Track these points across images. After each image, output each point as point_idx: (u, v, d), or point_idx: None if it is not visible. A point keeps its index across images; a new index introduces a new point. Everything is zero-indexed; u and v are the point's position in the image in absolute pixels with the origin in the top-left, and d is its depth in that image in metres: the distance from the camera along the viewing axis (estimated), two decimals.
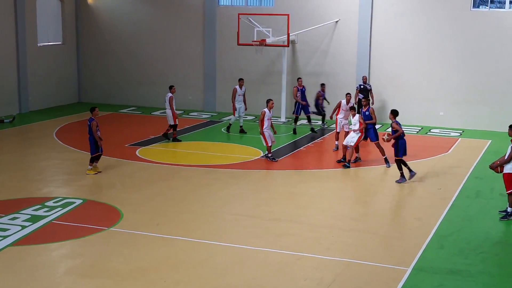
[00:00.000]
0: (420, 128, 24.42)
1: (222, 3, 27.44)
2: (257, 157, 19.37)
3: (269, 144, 18.68)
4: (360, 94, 23.69)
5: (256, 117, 25.84)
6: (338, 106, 20.24)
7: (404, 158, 16.96)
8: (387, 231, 13.42)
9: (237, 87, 22.65)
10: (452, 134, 23.28)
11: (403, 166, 17.01)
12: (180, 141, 21.28)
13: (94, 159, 17.33)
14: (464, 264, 11.62)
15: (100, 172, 17.34)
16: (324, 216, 14.23)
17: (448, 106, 24.59)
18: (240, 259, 11.68)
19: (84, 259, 11.61)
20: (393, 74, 25.15)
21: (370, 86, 24.23)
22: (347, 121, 20.12)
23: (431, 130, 24.01)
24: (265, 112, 18.69)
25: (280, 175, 17.71)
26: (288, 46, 24.80)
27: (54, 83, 28.13)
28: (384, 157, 18.60)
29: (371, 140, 19.05)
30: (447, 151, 20.69)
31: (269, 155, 18.81)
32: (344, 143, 18.48)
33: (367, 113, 18.70)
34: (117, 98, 28.92)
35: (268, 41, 24.38)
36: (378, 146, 18.69)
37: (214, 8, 27.15)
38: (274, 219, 13.91)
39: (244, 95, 22.73)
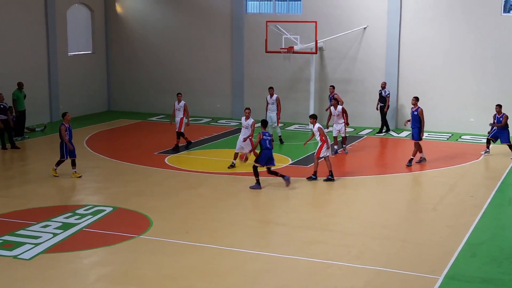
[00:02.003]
0: (450, 134, 24.17)
1: (250, 11, 27.52)
2: (285, 165, 19.33)
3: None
4: (380, 103, 23.85)
5: (284, 124, 25.86)
6: (330, 113, 20.85)
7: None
8: (418, 238, 13.26)
9: (268, 96, 22.56)
10: (483, 140, 22.96)
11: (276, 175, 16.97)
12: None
13: (60, 163, 17.70)
14: (497, 273, 11.43)
15: (80, 176, 17.62)
16: (354, 223, 14.14)
17: (479, 112, 24.27)
18: (270, 267, 11.65)
19: (114, 267, 11.68)
20: (423, 80, 24.94)
21: (386, 92, 24.11)
22: (341, 126, 20.59)
23: (462, 137, 23.75)
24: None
25: (308, 182, 17.63)
26: (316, 53, 24.76)
27: (84, 92, 28.46)
28: (420, 155, 19.20)
29: (413, 139, 19.26)
30: (478, 158, 20.42)
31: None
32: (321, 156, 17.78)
33: (415, 113, 19.04)
34: (146, 107, 29.14)
35: (296, 48, 24.36)
36: (417, 146, 19.10)
37: (242, 15, 27.23)
38: (303, 226, 13.86)
39: (278, 103, 22.22)
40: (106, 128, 25.63)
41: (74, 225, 13.66)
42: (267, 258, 12.05)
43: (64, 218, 14.13)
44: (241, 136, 18.76)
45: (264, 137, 16.89)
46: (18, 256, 11.90)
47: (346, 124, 20.82)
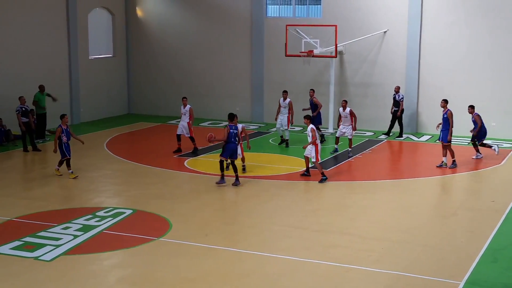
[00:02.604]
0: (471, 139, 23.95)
1: (270, 15, 27.54)
2: (304, 169, 19.27)
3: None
4: (395, 107, 23.92)
5: (303, 128, 25.81)
6: (339, 114, 21.00)
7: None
8: (438, 243, 13.16)
9: (281, 99, 22.61)
10: (505, 145, 22.75)
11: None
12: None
13: (63, 162, 18.08)
14: None
15: (61, 175, 18.05)
16: (373, 228, 14.06)
17: (501, 117, 24.06)
18: (289, 270, 11.62)
19: (134, 269, 11.73)
20: (443, 84, 24.75)
21: (400, 96, 24.02)
22: (349, 128, 20.68)
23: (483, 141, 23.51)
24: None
25: (328, 186, 17.59)
26: (336, 57, 24.71)
27: (104, 95, 28.65)
28: (453, 159, 19.18)
29: (441, 141, 19.29)
30: (500, 163, 20.22)
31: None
32: (305, 154, 18.05)
33: (445, 115, 19.16)
34: (165, 110, 29.24)
35: (316, 52, 24.34)
36: (448, 147, 19.20)
37: (261, 19, 27.26)
38: (322, 230, 13.82)
39: (290, 108, 22.29)
40: (126, 131, 25.78)
41: (94, 227, 13.74)
42: (286, 261, 12.03)
43: (84, 220, 14.22)
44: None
45: (230, 130, 17.20)
46: (39, 258, 11.98)
47: (353, 128, 20.78)
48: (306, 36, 24.73)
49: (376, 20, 25.56)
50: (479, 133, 20.49)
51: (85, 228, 13.63)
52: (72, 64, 26.65)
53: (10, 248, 12.44)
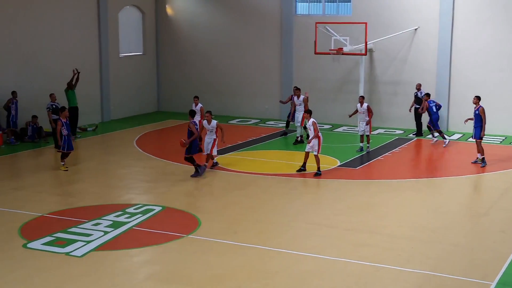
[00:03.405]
0: (503, 137, 23.64)
1: (299, 12, 27.47)
2: (333, 167, 19.22)
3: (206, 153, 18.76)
4: (416, 104, 23.84)
5: (333, 126, 25.72)
6: (356, 109, 21.28)
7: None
8: (469, 243, 13.01)
9: (295, 97, 22.78)
10: None
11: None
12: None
13: (66, 156, 18.73)
14: None
15: (66, 170, 18.54)
16: (403, 227, 13.94)
17: None
18: (318, 269, 11.58)
19: (163, 265, 11.79)
20: (475, 82, 24.42)
21: (422, 93, 23.81)
22: (364, 124, 20.82)
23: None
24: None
25: (357, 185, 17.50)
26: (366, 55, 24.54)
27: (134, 93, 28.86)
28: (482, 156, 19.08)
29: (475, 138, 19.28)
30: None
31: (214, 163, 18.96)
32: (307, 150, 18.37)
33: (477, 112, 19.10)
34: None
35: (346, 49, 24.19)
36: (479, 144, 19.12)
37: (291, 17, 27.20)
38: (351, 229, 13.74)
39: (305, 105, 22.40)
40: (156, 128, 25.93)
41: (124, 223, 13.84)
42: (315, 260, 11.99)
43: (114, 216, 14.34)
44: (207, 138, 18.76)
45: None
46: (70, 253, 12.12)
47: (368, 124, 20.88)
48: (335, 34, 24.60)
49: (406, 17, 25.32)
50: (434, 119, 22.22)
51: (115, 225, 13.74)
52: (102, 61, 26.90)
53: (42, 244, 12.60)
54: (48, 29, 24.55)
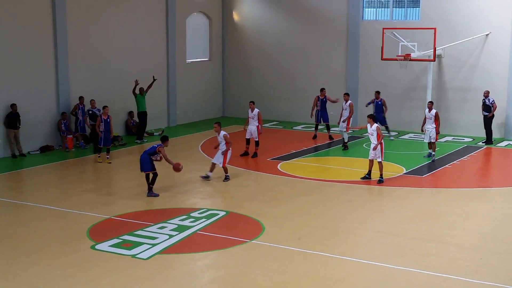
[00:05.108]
0: None
1: (366, 18, 27.21)
2: (399, 174, 18.91)
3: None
4: (484, 111, 23.47)
5: (399, 133, 25.33)
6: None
7: None
8: None
9: (343, 103, 23.16)
10: None
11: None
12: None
13: (99, 150, 20.46)
14: None
15: (100, 162, 20.31)
16: (471, 237, 13.57)
17: None
18: (383, 278, 11.40)
19: (227, 270, 11.84)
20: None
21: (490, 100, 23.24)
22: (432, 130, 20.52)
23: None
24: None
25: (423, 193, 17.16)
26: (434, 61, 24.09)
27: (200, 98, 29.18)
28: None
29: None
30: None
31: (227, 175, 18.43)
32: (370, 157, 18.04)
33: None
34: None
35: (413, 55, 23.82)
36: None
37: (358, 22, 26.97)
38: (418, 238, 13.47)
39: (350, 110, 22.76)
40: None
41: (189, 227, 13.99)
42: (380, 268, 11.81)
43: (179, 220, 14.51)
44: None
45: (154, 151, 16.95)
46: (136, 256, 12.32)
47: (437, 131, 20.50)
48: (403, 39, 24.24)
49: (477, 23, 24.71)
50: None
51: (180, 228, 13.90)
52: (170, 67, 27.34)
53: (109, 246, 12.86)
54: (117, 35, 25.06)
